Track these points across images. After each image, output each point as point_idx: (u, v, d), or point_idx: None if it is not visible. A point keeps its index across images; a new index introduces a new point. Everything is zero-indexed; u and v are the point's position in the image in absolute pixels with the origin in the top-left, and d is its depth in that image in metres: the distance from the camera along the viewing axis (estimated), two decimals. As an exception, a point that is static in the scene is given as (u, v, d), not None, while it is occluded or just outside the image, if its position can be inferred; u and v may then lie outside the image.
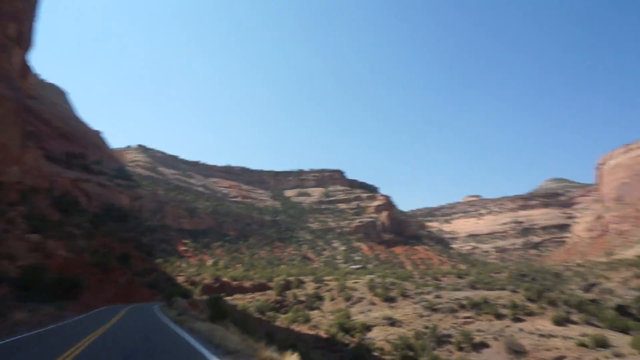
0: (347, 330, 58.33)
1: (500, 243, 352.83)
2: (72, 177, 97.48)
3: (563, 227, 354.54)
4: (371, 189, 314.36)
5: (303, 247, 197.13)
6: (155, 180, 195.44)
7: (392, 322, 62.94)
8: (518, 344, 54.51)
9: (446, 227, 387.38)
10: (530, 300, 64.52)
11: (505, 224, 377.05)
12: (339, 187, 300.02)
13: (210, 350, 13.32)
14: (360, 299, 73.97)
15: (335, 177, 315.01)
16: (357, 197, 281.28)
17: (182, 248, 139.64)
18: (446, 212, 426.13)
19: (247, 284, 76.95)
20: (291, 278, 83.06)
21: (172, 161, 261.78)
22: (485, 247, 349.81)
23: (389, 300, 72.33)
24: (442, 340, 58.15)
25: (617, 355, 47.24)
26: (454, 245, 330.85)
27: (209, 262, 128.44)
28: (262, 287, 75.77)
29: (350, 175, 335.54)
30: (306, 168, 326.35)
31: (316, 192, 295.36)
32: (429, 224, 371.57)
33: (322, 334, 52.40)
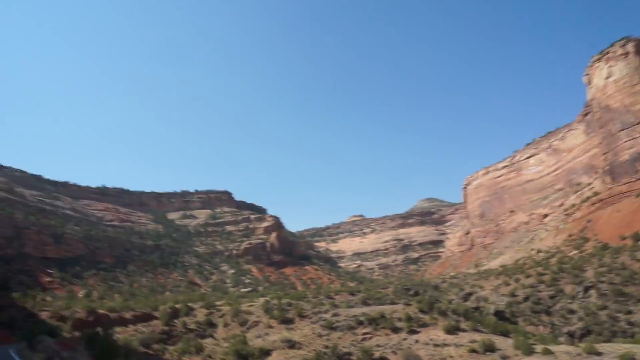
0: (244, 357, 54.10)
1: (383, 260, 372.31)
2: None
3: (437, 243, 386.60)
4: (259, 210, 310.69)
5: (189, 272, 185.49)
6: (12, 202, 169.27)
7: (292, 345, 60.06)
8: (415, 355, 55.28)
9: (333, 247, 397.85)
10: (422, 311, 66.51)
11: (387, 241, 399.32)
12: (227, 209, 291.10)
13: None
14: (256, 323, 69.91)
15: (222, 198, 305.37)
16: (245, 218, 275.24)
17: (47, 279, 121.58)
18: (332, 231, 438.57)
19: (127, 315, 68.16)
20: (178, 305, 75.92)
21: (34, 181, 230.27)
22: (369, 264, 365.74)
23: (287, 321, 69.43)
24: (342, 358, 56.78)
25: (504, 357, 50.01)
26: (341, 264, 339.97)
27: (81, 293, 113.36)
28: (146, 318, 67.75)
29: (238, 196, 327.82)
30: (191, 189, 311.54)
31: (202, 214, 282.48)
32: (317, 243, 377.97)
33: (219, 364, 47.63)
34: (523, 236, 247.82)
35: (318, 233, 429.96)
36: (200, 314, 72.67)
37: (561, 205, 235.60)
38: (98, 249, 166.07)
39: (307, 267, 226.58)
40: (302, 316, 71.03)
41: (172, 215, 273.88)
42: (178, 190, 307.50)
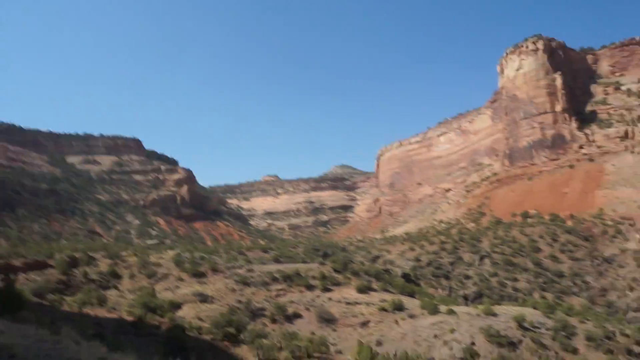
0: (152, 310, 51.25)
1: (294, 221, 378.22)
2: None
3: (347, 208, 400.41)
4: (171, 162, 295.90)
5: (89, 221, 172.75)
6: None
7: (204, 299, 58.14)
8: (328, 312, 56.31)
9: (245, 204, 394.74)
10: (336, 271, 67.90)
11: (299, 203, 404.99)
12: (135, 157, 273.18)
13: None
14: (165, 276, 66.62)
15: (130, 145, 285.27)
16: (155, 169, 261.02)
17: None
18: (246, 189, 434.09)
19: (17, 262, 61.22)
20: (78, 254, 69.92)
21: None
22: (280, 224, 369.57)
23: (199, 275, 67.05)
24: (256, 313, 56.24)
25: (411, 316, 52.71)
26: (252, 222, 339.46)
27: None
28: (39, 266, 61.31)
29: (148, 146, 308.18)
30: (95, 133, 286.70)
31: (107, 161, 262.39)
32: (229, 200, 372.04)
33: (126, 316, 44.48)
34: (427, 207, 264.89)
35: (230, 190, 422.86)
36: (103, 264, 67.61)
37: (463, 182, 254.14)
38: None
39: (218, 223, 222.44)
40: (215, 270, 69.06)
41: (72, 159, 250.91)
42: (80, 132, 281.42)
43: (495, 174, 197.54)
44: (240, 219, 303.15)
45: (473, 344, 43.47)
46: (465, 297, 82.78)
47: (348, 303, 59.62)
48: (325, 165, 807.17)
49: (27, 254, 69.36)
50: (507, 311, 49.97)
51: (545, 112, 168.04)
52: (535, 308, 53.15)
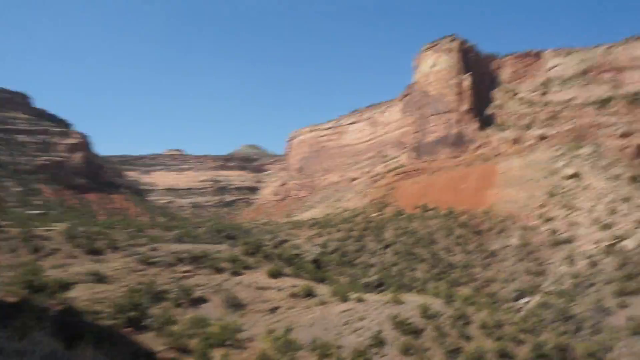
0: (37, 289, 45.49)
1: (198, 199, 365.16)
2: None
3: (253, 190, 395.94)
4: (63, 124, 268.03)
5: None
6: None
7: (100, 278, 53.13)
8: (236, 297, 54.51)
9: (145, 178, 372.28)
10: (247, 254, 66.02)
11: (204, 181, 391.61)
12: (21, 115, 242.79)
13: None
14: (54, 251, 59.83)
15: (15, 100, 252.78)
16: (44, 130, 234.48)
17: None
18: (146, 162, 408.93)
19: None
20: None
21: None
22: (182, 201, 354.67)
23: (94, 252, 61.23)
24: (159, 296, 52.63)
25: (323, 302, 52.84)
26: (151, 198, 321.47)
27: None
28: None
29: (38, 103, 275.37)
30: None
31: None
32: (128, 172, 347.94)
33: (5, 296, 38.70)
34: (333, 194, 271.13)
35: (130, 161, 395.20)
36: (-25, 235, 58.77)
37: (369, 172, 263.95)
38: None
39: (113, 196, 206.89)
40: (114, 248, 63.54)
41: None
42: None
43: (401, 166, 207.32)
44: (139, 193, 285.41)
45: (380, 331, 44.72)
46: (367, 285, 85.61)
47: (258, 288, 58.19)
48: (234, 143, 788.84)
49: None
50: (413, 300, 52.18)
51: (452, 111, 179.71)
52: (436, 297, 56.21)
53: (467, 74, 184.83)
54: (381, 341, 43.46)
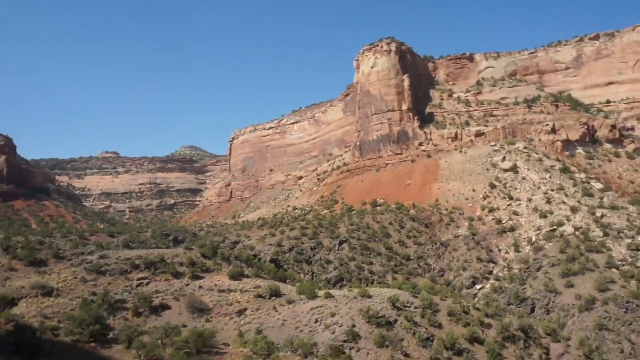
0: (-24, 308, 40.87)
1: (136, 203, 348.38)
2: None
3: (195, 191, 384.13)
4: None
5: None
6: None
7: (48, 291, 48.97)
8: (200, 301, 52.25)
9: (77, 183, 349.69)
10: (205, 256, 63.50)
11: (142, 184, 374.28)
12: None
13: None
14: (-10, 265, 54.32)
15: None
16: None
17: None
18: (78, 166, 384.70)
19: None
20: None
21: None
22: (120, 206, 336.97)
23: (37, 264, 56.35)
24: (115, 306, 49.26)
25: (290, 301, 51.78)
26: (86, 203, 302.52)
27: None
28: None
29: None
30: None
31: None
32: (58, 177, 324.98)
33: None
34: (279, 193, 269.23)
35: (60, 165, 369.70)
36: None
37: (315, 170, 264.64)
38: None
39: (45, 202, 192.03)
40: (58, 257, 58.83)
41: None
42: None
43: (345, 164, 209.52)
44: (72, 198, 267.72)
45: (354, 326, 44.44)
46: (328, 281, 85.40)
47: (221, 290, 56.05)
48: (173, 145, 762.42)
49: None
50: (379, 293, 52.40)
51: (393, 110, 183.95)
52: (400, 289, 56.89)
53: (406, 75, 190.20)
54: (356, 335, 43.21)
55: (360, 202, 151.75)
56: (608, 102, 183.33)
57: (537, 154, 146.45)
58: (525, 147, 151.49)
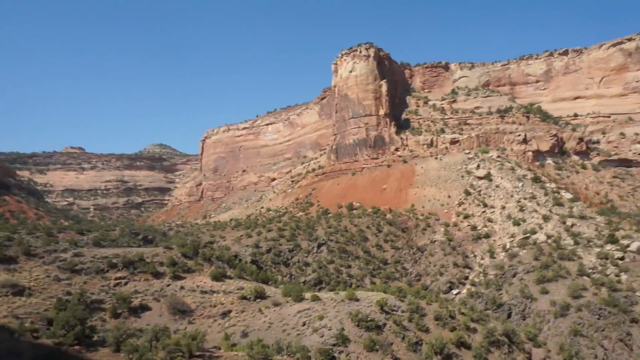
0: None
1: (102, 201, 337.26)
2: None
3: (164, 190, 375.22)
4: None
5: None
6: None
7: (19, 291, 46.29)
8: (182, 302, 50.46)
9: (40, 179, 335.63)
10: (186, 256, 61.54)
11: (108, 181, 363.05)
12: None
13: None
14: (-46, 261, 50.95)
15: None
16: None
17: None
18: (41, 161, 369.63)
19: None
20: None
21: None
22: (84, 203, 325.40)
23: (6, 261, 53.25)
24: (92, 307, 47.00)
25: (276, 304, 50.65)
26: (48, 199, 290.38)
27: None
28: None
29: None
30: None
31: None
32: (18, 172, 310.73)
33: None
34: (252, 195, 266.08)
35: (21, 160, 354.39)
36: None
37: (289, 172, 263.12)
38: None
39: (6, 198, 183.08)
40: (29, 255, 55.71)
41: None
42: None
43: (321, 167, 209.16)
44: (34, 194, 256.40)
45: (343, 329, 43.73)
46: (306, 284, 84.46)
47: (204, 292, 54.30)
48: (141, 142, 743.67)
49: None
50: (366, 296, 51.95)
51: (371, 115, 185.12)
52: (385, 292, 56.57)
53: (384, 80, 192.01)
54: (345, 339, 42.48)
55: (336, 205, 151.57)
56: (575, 115, 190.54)
57: (509, 163, 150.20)
58: (498, 156, 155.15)
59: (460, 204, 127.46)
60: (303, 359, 33.54)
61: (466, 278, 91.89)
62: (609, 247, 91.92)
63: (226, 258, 64.82)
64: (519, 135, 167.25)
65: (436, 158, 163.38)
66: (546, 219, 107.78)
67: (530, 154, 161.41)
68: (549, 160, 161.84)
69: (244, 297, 52.10)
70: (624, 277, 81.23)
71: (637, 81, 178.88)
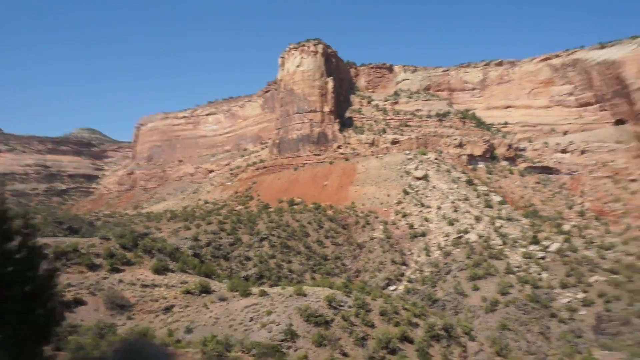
0: None
1: (20, 186, 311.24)
2: None
3: (91, 178, 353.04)
4: None
5: None
6: None
7: None
8: (120, 296, 47.86)
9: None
10: (125, 248, 58.35)
11: (28, 165, 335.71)
12: None
13: None
14: None
15: None
16: None
17: None
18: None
19: None
20: None
21: None
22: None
23: None
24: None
25: (222, 298, 49.53)
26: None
27: None
28: None
29: None
30: None
31: None
32: None
33: None
34: (188, 186, 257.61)
35: None
36: None
37: (227, 164, 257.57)
38: None
39: None
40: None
41: None
42: None
43: (262, 160, 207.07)
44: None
45: (291, 324, 43.57)
46: (247, 279, 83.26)
47: (144, 285, 51.75)
48: (66, 126, 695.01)
49: None
50: (314, 291, 52.12)
51: (316, 111, 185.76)
52: (330, 287, 57.12)
53: (330, 77, 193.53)
54: (294, 334, 42.40)
55: (276, 200, 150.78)
56: (506, 123, 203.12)
57: (446, 165, 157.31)
58: (436, 158, 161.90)
59: (399, 202, 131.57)
60: (260, 356, 32.89)
61: (402, 275, 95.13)
62: (532, 247, 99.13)
63: (168, 250, 62.24)
64: (455, 139, 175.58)
65: (377, 157, 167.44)
66: (478, 219, 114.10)
67: (464, 157, 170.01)
68: (481, 165, 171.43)
69: (188, 292, 50.37)
70: (544, 275, 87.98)
71: (560, 95, 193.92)
